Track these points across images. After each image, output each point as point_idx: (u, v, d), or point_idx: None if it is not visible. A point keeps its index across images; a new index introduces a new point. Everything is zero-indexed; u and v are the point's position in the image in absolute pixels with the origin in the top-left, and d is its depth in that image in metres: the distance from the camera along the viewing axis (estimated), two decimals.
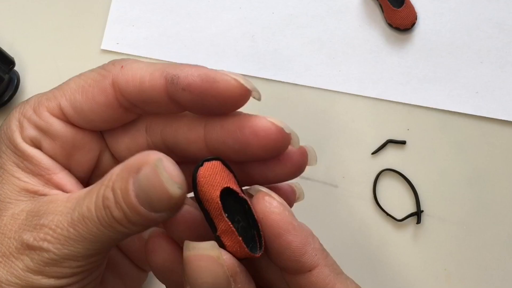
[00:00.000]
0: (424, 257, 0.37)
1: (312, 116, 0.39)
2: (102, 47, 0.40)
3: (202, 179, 0.23)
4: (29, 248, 0.23)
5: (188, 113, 0.26)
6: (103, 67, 0.26)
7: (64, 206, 0.24)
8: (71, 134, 0.26)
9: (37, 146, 0.26)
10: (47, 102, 0.26)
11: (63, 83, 0.27)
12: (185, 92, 0.24)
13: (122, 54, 0.40)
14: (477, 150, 0.38)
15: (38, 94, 0.27)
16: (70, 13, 0.41)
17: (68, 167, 0.27)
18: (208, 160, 0.23)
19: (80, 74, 0.27)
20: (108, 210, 0.22)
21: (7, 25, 0.41)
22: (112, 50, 0.40)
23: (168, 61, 0.39)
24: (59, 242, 0.23)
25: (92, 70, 0.27)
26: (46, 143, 0.26)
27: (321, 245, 0.24)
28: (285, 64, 0.39)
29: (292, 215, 0.24)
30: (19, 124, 0.26)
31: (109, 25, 0.40)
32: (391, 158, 0.38)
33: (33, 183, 0.25)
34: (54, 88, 0.27)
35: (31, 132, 0.26)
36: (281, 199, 0.24)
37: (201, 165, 0.23)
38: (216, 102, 0.24)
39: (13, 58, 0.38)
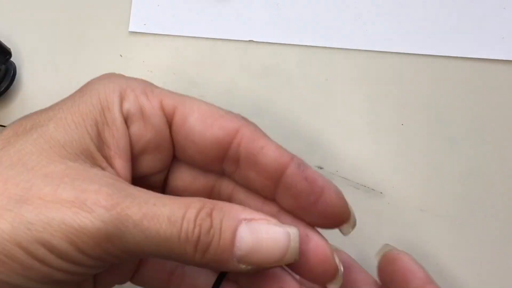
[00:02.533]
0: (417, 251, 0.37)
1: (346, 78, 0.40)
2: (130, 29, 0.40)
3: None
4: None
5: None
6: (234, 113, 0.26)
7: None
8: (163, 136, 0.26)
9: (128, 124, 0.25)
10: (164, 97, 0.26)
11: (186, 95, 0.26)
12: (304, 182, 0.25)
13: (151, 34, 0.40)
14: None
15: (148, 82, 0.27)
16: (70, 5, 0.41)
17: (134, 159, 0.26)
18: None
19: (207, 102, 0.26)
20: (192, 246, 0.22)
21: (4, 16, 0.41)
22: (140, 31, 0.40)
23: (196, 37, 0.40)
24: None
25: (221, 108, 0.26)
26: (137, 126, 0.25)
27: None
28: (312, 29, 0.40)
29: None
30: (125, 93, 0.25)
31: (135, 7, 0.41)
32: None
33: (98, 151, 0.24)
34: (175, 92, 0.26)
35: (132, 107, 0.25)
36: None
37: None
38: (318, 210, 0.26)
39: (9, 48, 0.38)
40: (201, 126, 0.25)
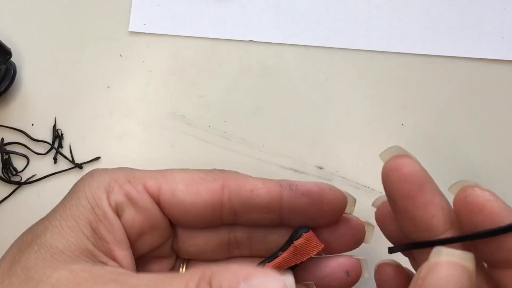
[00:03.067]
0: None
1: (348, 77, 0.40)
2: (130, 29, 0.40)
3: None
4: None
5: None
6: (211, 171, 0.28)
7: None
8: (155, 216, 0.27)
9: (119, 213, 0.26)
10: (146, 179, 0.27)
11: (164, 170, 0.28)
12: (303, 197, 0.27)
13: (151, 34, 0.40)
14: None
15: (128, 168, 0.28)
16: (70, 5, 0.41)
17: (133, 244, 0.27)
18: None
19: (185, 169, 0.28)
20: None
21: (4, 16, 0.41)
22: (140, 31, 0.40)
23: (196, 37, 0.40)
24: None
25: (199, 170, 0.28)
26: (128, 213, 0.26)
27: None
28: (312, 29, 0.40)
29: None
30: (109, 187, 0.26)
31: (135, 7, 0.41)
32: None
33: (97, 248, 0.25)
34: (154, 171, 0.28)
35: (119, 197, 0.26)
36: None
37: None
38: (326, 209, 0.28)
39: (9, 48, 0.38)
40: (189, 196, 0.27)
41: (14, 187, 0.38)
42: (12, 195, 0.38)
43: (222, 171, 0.28)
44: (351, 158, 0.38)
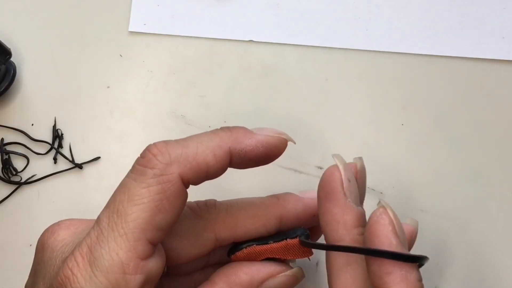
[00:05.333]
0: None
1: (347, 77, 0.40)
2: (130, 29, 0.40)
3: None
4: None
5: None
6: (156, 173, 0.24)
7: None
8: (161, 263, 0.25)
9: None
10: (133, 251, 0.23)
11: (121, 220, 0.23)
12: (251, 162, 0.26)
13: (151, 34, 0.40)
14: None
15: (102, 253, 0.23)
16: (70, 5, 0.41)
17: None
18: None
19: (136, 199, 0.23)
20: None
21: (4, 16, 0.41)
22: (140, 31, 0.40)
23: (196, 37, 0.40)
24: None
25: (146, 185, 0.24)
26: None
27: None
28: (312, 29, 0.40)
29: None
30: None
31: (135, 7, 0.41)
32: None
33: None
34: (119, 233, 0.23)
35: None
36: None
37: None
38: (270, 159, 0.27)
39: (9, 48, 0.38)
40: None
41: (14, 187, 0.38)
42: (12, 195, 0.38)
43: (158, 154, 0.25)
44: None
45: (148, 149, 0.25)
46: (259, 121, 0.39)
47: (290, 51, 0.40)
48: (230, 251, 0.28)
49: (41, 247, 0.26)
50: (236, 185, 0.38)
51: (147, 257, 0.23)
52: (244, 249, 0.28)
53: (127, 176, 0.25)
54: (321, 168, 0.38)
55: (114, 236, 0.23)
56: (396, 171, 0.38)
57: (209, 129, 0.38)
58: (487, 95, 0.39)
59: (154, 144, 0.25)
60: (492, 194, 0.37)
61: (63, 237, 0.26)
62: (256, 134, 0.26)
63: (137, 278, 0.23)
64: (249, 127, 0.38)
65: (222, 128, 0.26)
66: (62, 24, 0.41)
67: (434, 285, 0.36)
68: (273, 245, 0.28)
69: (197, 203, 0.28)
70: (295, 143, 0.28)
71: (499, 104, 0.38)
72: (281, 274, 0.27)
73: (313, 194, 0.27)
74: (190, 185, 0.25)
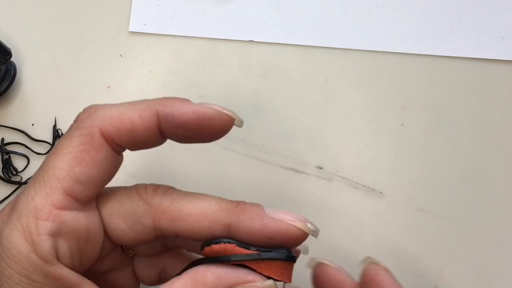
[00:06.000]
0: (417, 251, 0.37)
1: (346, 78, 0.40)
2: (130, 29, 0.40)
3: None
4: None
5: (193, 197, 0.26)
6: (79, 126, 0.25)
7: None
8: (83, 223, 0.25)
9: (56, 258, 0.24)
10: (48, 198, 0.24)
11: (43, 170, 0.24)
12: (180, 129, 0.25)
13: (151, 34, 0.40)
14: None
15: (21, 198, 0.24)
16: (70, 5, 0.41)
17: (83, 267, 0.26)
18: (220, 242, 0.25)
19: (58, 150, 0.24)
20: None
21: (4, 16, 0.41)
22: (140, 31, 0.40)
23: (196, 37, 0.40)
24: None
25: (69, 138, 0.25)
26: (62, 249, 0.24)
27: None
28: (312, 29, 0.40)
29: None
30: (30, 243, 0.23)
31: (135, 7, 0.41)
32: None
33: None
34: (38, 180, 0.24)
35: (47, 245, 0.23)
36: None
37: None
38: (208, 134, 0.26)
39: (9, 48, 0.38)
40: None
41: (14, 187, 0.38)
42: (12, 195, 0.38)
43: (87, 114, 0.25)
44: (351, 158, 0.38)
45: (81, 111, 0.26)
46: (259, 121, 0.39)
47: (290, 51, 0.40)
48: (206, 243, 0.26)
49: None
50: (236, 185, 0.38)
51: (63, 208, 0.24)
52: (222, 243, 0.25)
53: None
54: (321, 168, 0.38)
55: (34, 184, 0.24)
56: (396, 171, 0.38)
57: None
58: (487, 95, 0.39)
59: (87, 106, 0.26)
60: (492, 194, 0.37)
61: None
62: (192, 104, 0.25)
63: (48, 225, 0.23)
64: (249, 127, 0.39)
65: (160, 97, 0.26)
66: (62, 24, 0.41)
67: (434, 285, 0.36)
68: (254, 263, 0.25)
69: (147, 186, 0.26)
70: (240, 126, 0.27)
71: (499, 104, 0.38)
72: (251, 284, 0.25)
73: (281, 216, 0.25)
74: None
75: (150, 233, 0.26)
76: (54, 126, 0.39)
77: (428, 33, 0.39)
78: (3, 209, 0.25)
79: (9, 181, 0.38)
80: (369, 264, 0.27)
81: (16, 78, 0.39)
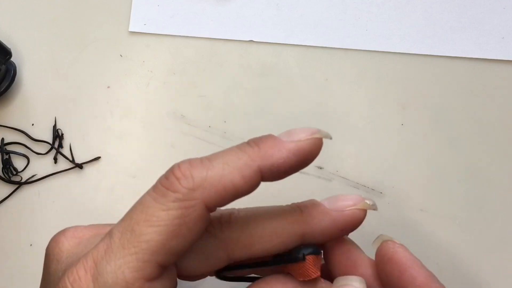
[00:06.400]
0: (416, 251, 0.37)
1: (348, 77, 0.40)
2: (130, 29, 0.40)
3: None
4: None
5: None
6: (178, 198, 0.22)
7: None
8: (168, 285, 0.24)
9: None
10: (140, 272, 0.22)
11: (134, 238, 0.22)
12: (283, 174, 0.25)
13: (151, 34, 0.40)
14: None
15: (106, 268, 0.22)
16: (70, 5, 0.41)
17: None
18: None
19: (152, 220, 0.22)
20: None
21: (4, 16, 0.41)
22: (140, 31, 0.40)
23: (196, 37, 0.40)
24: None
25: (166, 208, 0.22)
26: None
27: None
28: (312, 29, 0.40)
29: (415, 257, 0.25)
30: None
31: (135, 7, 0.41)
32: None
33: None
34: (128, 251, 0.22)
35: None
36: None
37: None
38: (306, 164, 0.25)
39: (9, 48, 0.39)
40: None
41: (14, 187, 0.38)
42: (12, 195, 0.38)
43: (182, 177, 0.23)
44: (351, 158, 0.38)
45: (172, 171, 0.23)
46: (259, 121, 0.39)
47: (290, 51, 0.40)
48: (294, 259, 0.25)
49: (47, 258, 0.26)
50: None
51: (153, 279, 0.22)
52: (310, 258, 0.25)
53: (148, 193, 0.23)
54: (321, 168, 0.38)
55: (124, 254, 0.22)
56: (396, 171, 0.38)
57: (209, 129, 0.39)
58: (487, 95, 0.39)
59: (178, 165, 0.23)
60: (492, 194, 0.37)
61: (67, 248, 0.25)
62: (285, 143, 0.24)
63: None
64: (249, 127, 0.39)
65: (249, 143, 0.24)
66: (62, 24, 0.41)
67: None
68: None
69: (212, 220, 0.25)
70: (331, 138, 0.26)
71: (499, 104, 0.38)
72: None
73: (343, 204, 0.26)
74: None
75: (221, 263, 0.26)
76: (54, 126, 0.39)
77: (428, 33, 0.39)
78: (73, 270, 0.23)
79: (9, 181, 0.38)
80: (385, 243, 0.26)
81: (16, 78, 0.39)
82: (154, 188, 0.23)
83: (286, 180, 0.38)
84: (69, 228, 0.26)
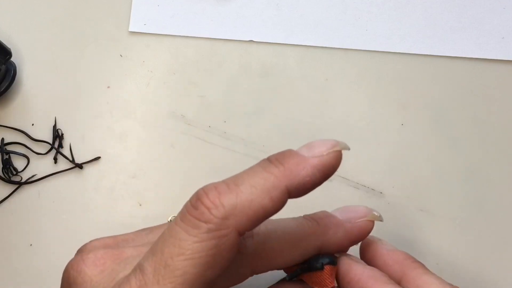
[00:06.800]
0: (417, 251, 0.36)
1: (348, 77, 0.40)
2: (130, 29, 0.40)
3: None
4: None
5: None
6: (210, 228, 0.22)
7: None
8: None
9: None
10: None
11: (169, 273, 0.22)
12: (309, 190, 0.25)
13: (151, 34, 0.40)
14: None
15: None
16: (70, 5, 0.41)
17: None
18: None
19: (186, 252, 0.22)
20: None
21: (4, 16, 0.41)
22: (140, 31, 0.40)
23: (196, 37, 0.40)
24: None
25: (199, 240, 0.22)
26: None
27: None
28: (312, 29, 0.40)
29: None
30: None
31: (135, 7, 0.41)
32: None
33: None
34: (163, 284, 0.22)
35: None
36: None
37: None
38: (328, 177, 0.26)
39: (9, 48, 0.38)
40: None
41: (14, 187, 0.38)
42: (12, 195, 0.38)
43: (211, 204, 0.23)
44: (351, 158, 0.38)
45: (199, 199, 0.23)
46: (259, 121, 0.39)
47: (290, 51, 0.40)
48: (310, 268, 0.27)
49: (69, 286, 0.25)
50: None
51: None
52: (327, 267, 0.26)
53: (177, 224, 0.23)
54: None
55: (157, 285, 0.22)
56: (396, 171, 0.38)
57: (209, 129, 0.39)
58: (487, 95, 0.39)
59: (205, 192, 0.23)
60: (492, 194, 0.37)
61: (90, 277, 0.25)
62: (309, 159, 0.24)
63: None
64: (249, 127, 0.39)
65: (272, 161, 0.24)
66: (62, 24, 0.41)
67: None
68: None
69: None
70: (349, 149, 0.26)
71: (499, 104, 0.38)
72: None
73: (354, 216, 0.27)
74: None
75: (244, 278, 0.26)
76: (54, 126, 0.39)
77: (428, 33, 0.39)
78: None
79: (9, 181, 0.38)
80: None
81: (16, 78, 0.39)
82: (183, 218, 0.23)
83: None
84: (86, 252, 0.26)
